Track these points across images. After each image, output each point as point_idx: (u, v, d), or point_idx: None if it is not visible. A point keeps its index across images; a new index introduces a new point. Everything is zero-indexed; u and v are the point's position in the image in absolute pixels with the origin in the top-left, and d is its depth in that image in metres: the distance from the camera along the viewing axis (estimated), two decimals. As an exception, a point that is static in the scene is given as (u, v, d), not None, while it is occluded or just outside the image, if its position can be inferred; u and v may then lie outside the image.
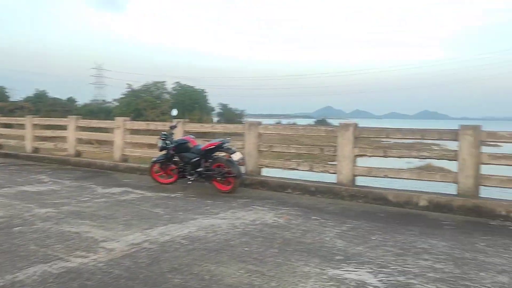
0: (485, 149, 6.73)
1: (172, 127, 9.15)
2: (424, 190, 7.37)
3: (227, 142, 8.18)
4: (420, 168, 10.32)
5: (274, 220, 5.96)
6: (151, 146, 10.65)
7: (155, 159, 8.88)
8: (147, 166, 9.31)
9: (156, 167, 8.82)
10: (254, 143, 8.79)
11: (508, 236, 5.37)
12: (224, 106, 52.81)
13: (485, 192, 6.75)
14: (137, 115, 35.01)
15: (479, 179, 6.63)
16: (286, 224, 5.75)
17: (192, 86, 48.72)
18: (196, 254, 4.41)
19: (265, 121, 12.33)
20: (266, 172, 9.10)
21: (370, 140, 18.21)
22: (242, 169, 8.52)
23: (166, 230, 5.29)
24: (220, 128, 10.59)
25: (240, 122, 26.71)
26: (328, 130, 8.35)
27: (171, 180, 8.70)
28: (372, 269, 4.08)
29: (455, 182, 6.84)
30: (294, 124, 47.82)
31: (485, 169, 6.71)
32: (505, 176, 6.51)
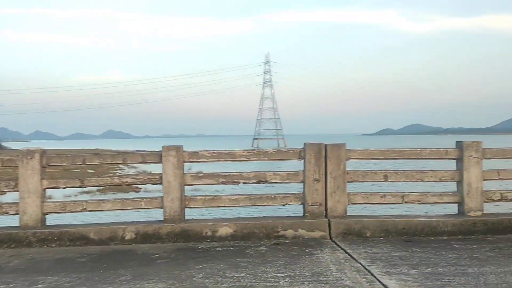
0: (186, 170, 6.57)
1: None
2: (129, 221, 6.61)
3: None
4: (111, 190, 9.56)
5: None
6: None
7: None
8: None
9: None
10: None
11: (219, 259, 5.19)
12: None
13: (190, 214, 6.61)
14: None
15: (185, 201, 6.40)
16: None
17: None
18: None
19: None
20: None
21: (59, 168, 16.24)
22: None
23: None
24: None
25: None
26: (5, 159, 6.50)
27: None
28: None
29: (161, 207, 6.40)
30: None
31: (188, 191, 6.55)
32: (208, 196, 6.52)
